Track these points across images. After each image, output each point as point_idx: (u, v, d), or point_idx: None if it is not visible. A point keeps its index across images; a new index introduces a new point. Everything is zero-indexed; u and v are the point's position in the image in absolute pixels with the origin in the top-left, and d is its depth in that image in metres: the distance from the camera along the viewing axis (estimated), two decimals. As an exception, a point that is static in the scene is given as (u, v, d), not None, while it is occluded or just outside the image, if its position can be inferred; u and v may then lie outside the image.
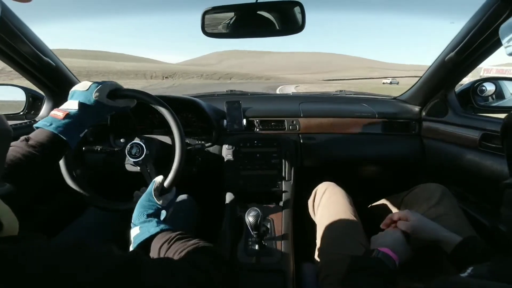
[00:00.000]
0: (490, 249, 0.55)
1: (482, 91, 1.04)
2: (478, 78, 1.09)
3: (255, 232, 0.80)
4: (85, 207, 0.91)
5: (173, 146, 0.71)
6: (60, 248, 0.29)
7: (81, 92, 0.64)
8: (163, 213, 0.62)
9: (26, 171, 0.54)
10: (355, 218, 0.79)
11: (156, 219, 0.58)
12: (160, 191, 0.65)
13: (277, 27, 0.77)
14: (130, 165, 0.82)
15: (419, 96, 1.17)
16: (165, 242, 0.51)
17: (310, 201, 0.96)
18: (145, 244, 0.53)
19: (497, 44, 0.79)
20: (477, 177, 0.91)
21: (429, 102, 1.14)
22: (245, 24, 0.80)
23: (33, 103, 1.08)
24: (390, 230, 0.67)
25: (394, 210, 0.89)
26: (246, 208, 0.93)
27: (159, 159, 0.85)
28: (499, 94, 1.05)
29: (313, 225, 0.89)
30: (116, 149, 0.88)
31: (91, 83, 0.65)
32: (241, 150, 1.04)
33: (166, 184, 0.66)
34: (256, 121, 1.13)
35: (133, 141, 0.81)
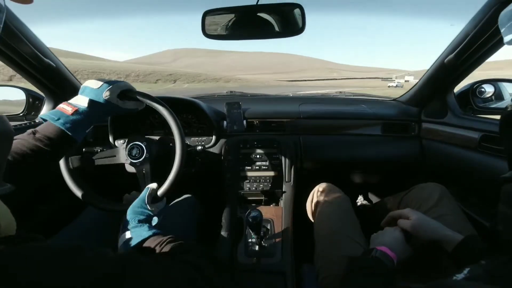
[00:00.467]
0: (491, 248, 0.55)
1: (481, 92, 1.05)
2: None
3: (255, 233, 0.80)
4: (84, 207, 0.90)
5: (173, 149, 0.71)
6: (53, 253, 0.29)
7: (92, 89, 0.63)
8: (155, 220, 0.63)
9: (31, 164, 0.54)
10: (353, 219, 0.79)
11: (147, 225, 0.59)
12: (152, 199, 0.65)
13: (277, 29, 0.78)
14: (129, 166, 0.82)
15: (419, 97, 1.18)
16: (157, 245, 0.51)
17: (308, 202, 0.96)
18: (137, 248, 0.53)
19: (497, 46, 0.79)
20: (476, 178, 0.92)
21: (428, 103, 1.14)
22: (246, 25, 0.80)
23: (33, 104, 1.08)
24: (389, 229, 0.67)
25: (392, 210, 0.89)
26: (246, 209, 0.93)
27: (159, 160, 0.85)
28: (498, 95, 1.06)
29: (313, 226, 0.89)
30: (116, 149, 0.87)
31: (104, 80, 0.64)
32: (241, 151, 1.04)
33: (159, 193, 0.66)
34: (256, 122, 1.13)
35: (133, 142, 0.81)
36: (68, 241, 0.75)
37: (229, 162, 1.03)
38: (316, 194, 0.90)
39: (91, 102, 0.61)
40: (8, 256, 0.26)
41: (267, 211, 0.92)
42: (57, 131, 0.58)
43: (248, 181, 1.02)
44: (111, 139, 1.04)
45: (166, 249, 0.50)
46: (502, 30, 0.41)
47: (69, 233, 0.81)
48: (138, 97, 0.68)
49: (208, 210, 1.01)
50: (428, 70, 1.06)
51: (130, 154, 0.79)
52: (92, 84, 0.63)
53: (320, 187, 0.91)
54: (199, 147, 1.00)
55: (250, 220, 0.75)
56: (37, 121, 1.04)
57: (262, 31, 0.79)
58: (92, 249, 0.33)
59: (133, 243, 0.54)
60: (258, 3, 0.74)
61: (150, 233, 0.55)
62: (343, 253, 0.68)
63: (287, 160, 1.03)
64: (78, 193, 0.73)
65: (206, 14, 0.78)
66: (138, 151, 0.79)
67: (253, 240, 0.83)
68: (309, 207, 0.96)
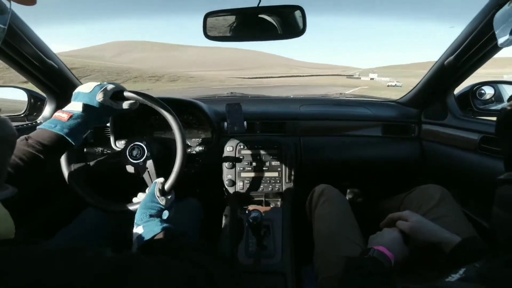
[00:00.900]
0: (489, 250, 0.55)
1: (481, 94, 1.05)
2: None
3: (255, 234, 0.80)
4: (83, 208, 0.91)
5: (173, 148, 0.71)
6: (53, 253, 0.29)
7: (85, 93, 0.64)
8: (165, 214, 0.63)
9: (24, 169, 0.54)
10: (351, 220, 0.79)
11: (159, 219, 0.59)
12: (162, 192, 0.66)
13: (279, 31, 0.78)
14: (130, 166, 0.82)
15: (419, 99, 1.18)
16: (168, 239, 0.52)
17: (307, 203, 0.96)
18: (149, 243, 0.54)
19: (496, 47, 0.80)
20: (476, 180, 0.92)
21: (428, 105, 1.15)
22: (247, 27, 0.80)
23: (34, 105, 1.09)
24: (388, 230, 0.67)
25: (393, 211, 0.89)
26: (247, 210, 0.94)
27: (160, 160, 0.85)
28: (498, 97, 1.06)
29: (312, 226, 0.89)
30: (117, 150, 0.88)
31: (95, 84, 0.65)
32: (242, 152, 1.04)
33: (166, 187, 0.67)
34: (256, 123, 1.13)
35: (134, 143, 0.81)
36: (67, 242, 0.76)
37: (229, 163, 1.03)
38: (316, 195, 0.90)
39: (85, 107, 0.62)
40: (6, 259, 0.26)
41: (267, 212, 0.92)
42: (51, 136, 0.58)
43: (248, 182, 1.02)
44: (112, 140, 1.05)
45: (176, 244, 0.50)
46: (496, 32, 0.41)
47: (68, 234, 0.81)
48: (131, 96, 0.68)
49: (208, 211, 1.01)
50: (429, 71, 1.07)
51: (131, 155, 0.79)
52: (84, 88, 0.65)
53: (320, 188, 0.91)
54: (200, 148, 1.00)
55: (250, 220, 0.75)
56: (38, 121, 1.04)
57: (263, 32, 0.79)
58: (92, 249, 0.33)
59: (145, 237, 0.54)
60: (259, 5, 0.74)
61: (161, 227, 0.55)
62: (342, 254, 0.68)
63: (287, 161, 1.03)
64: (80, 194, 0.73)
65: (207, 15, 0.78)
66: (139, 152, 0.79)
67: (253, 240, 0.83)
68: (308, 208, 0.96)
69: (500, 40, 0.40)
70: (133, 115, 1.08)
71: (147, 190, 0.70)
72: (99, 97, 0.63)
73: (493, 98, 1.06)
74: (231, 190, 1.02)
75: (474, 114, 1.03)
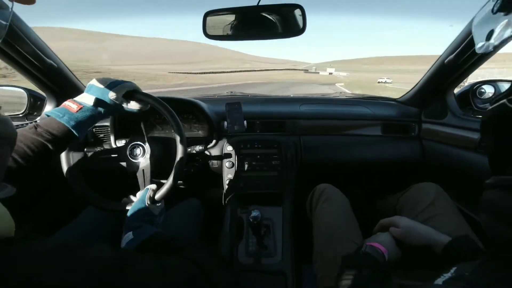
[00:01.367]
0: (480, 248, 0.57)
1: (481, 93, 1.05)
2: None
3: (255, 233, 0.80)
4: (83, 207, 0.91)
5: (173, 148, 0.71)
6: (50, 251, 0.29)
7: (98, 88, 0.63)
8: (155, 220, 0.63)
9: (32, 158, 0.53)
10: (352, 219, 0.79)
11: (148, 225, 0.59)
12: (152, 199, 0.65)
13: (279, 30, 0.78)
14: (129, 166, 0.82)
15: (419, 98, 1.18)
16: (158, 244, 0.52)
17: (307, 202, 0.96)
18: (139, 249, 0.53)
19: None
20: (476, 179, 0.92)
21: (428, 104, 1.15)
22: (247, 26, 0.80)
23: (34, 104, 1.08)
24: (381, 233, 0.69)
25: (390, 211, 0.89)
26: (247, 209, 0.94)
27: (160, 160, 0.85)
28: (498, 96, 1.06)
29: (313, 226, 0.89)
30: (117, 149, 0.88)
31: (111, 80, 0.64)
32: (242, 152, 1.04)
33: (157, 197, 0.66)
34: (256, 122, 1.13)
35: (134, 142, 0.81)
36: (67, 240, 0.76)
37: (229, 162, 1.03)
38: (316, 194, 0.90)
39: (97, 101, 0.61)
40: (5, 258, 0.26)
41: (267, 211, 0.92)
42: (60, 127, 0.58)
43: (248, 181, 1.02)
44: (112, 139, 1.05)
45: (166, 247, 0.50)
46: (474, 37, 0.41)
47: (69, 232, 0.81)
48: (143, 98, 0.68)
49: (208, 211, 1.01)
50: (428, 70, 1.07)
51: (131, 154, 0.79)
52: (98, 83, 0.63)
53: (320, 187, 0.91)
54: (200, 147, 1.00)
55: (251, 220, 0.75)
56: (37, 121, 1.04)
57: (263, 31, 0.79)
58: (91, 247, 0.33)
59: (135, 243, 0.54)
60: (259, 3, 0.74)
61: (151, 232, 0.55)
62: (342, 253, 0.68)
63: (287, 160, 1.03)
64: (79, 193, 0.73)
65: (207, 14, 0.78)
66: (139, 151, 0.79)
67: (253, 240, 0.83)
68: (308, 207, 0.96)
69: (478, 46, 0.39)
70: (134, 115, 1.08)
71: (138, 195, 0.69)
72: (112, 94, 0.62)
73: (493, 97, 1.06)
74: (231, 189, 1.02)
75: (474, 113, 1.03)
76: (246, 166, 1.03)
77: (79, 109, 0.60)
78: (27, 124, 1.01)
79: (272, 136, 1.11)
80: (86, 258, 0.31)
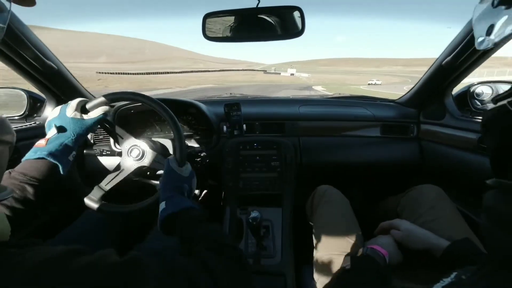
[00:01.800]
0: (480, 251, 0.57)
1: (479, 94, 1.05)
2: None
3: (255, 234, 0.80)
4: (83, 210, 0.91)
5: (173, 146, 0.72)
6: (52, 256, 0.29)
7: (54, 118, 0.65)
8: (186, 187, 0.63)
9: (19, 203, 0.53)
10: (352, 221, 0.79)
11: (180, 195, 0.59)
12: (178, 163, 0.65)
13: (278, 31, 0.79)
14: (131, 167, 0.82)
15: (417, 99, 1.19)
16: (186, 224, 0.51)
17: (308, 203, 0.96)
18: (170, 219, 0.54)
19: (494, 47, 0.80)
20: (475, 179, 0.92)
21: (427, 105, 1.15)
22: (245, 28, 0.81)
23: (34, 106, 1.08)
24: (382, 236, 0.69)
25: (391, 213, 0.89)
26: (246, 211, 0.94)
27: (159, 161, 0.85)
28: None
29: (312, 227, 0.89)
30: (116, 151, 0.88)
31: (60, 107, 0.67)
32: (241, 153, 1.04)
33: (178, 158, 0.66)
34: (256, 123, 1.13)
35: (134, 144, 0.81)
36: (66, 243, 0.75)
37: (228, 163, 1.03)
38: (317, 195, 0.90)
39: (59, 128, 0.63)
40: (1, 262, 0.26)
41: (266, 212, 0.92)
42: (33, 165, 0.57)
43: (248, 182, 1.02)
44: (111, 141, 1.05)
45: (190, 229, 0.49)
46: (474, 33, 0.40)
47: (68, 235, 0.81)
48: (90, 106, 0.68)
49: (208, 212, 1.01)
50: (427, 72, 1.08)
51: (131, 155, 0.80)
52: (52, 114, 0.66)
53: (321, 189, 0.91)
54: (199, 149, 1.00)
55: (250, 221, 0.75)
56: (37, 122, 1.04)
57: (262, 33, 0.80)
58: (93, 252, 0.32)
59: (164, 215, 0.54)
60: (258, 5, 0.75)
61: (180, 206, 0.55)
62: (342, 255, 0.68)
63: (286, 161, 1.03)
64: (81, 197, 0.73)
65: (206, 16, 0.79)
66: (138, 152, 0.80)
67: (253, 241, 0.83)
68: (308, 208, 0.96)
69: (478, 42, 0.39)
70: (133, 117, 1.08)
71: (161, 171, 0.69)
72: (68, 115, 0.65)
73: (491, 98, 1.06)
74: (230, 190, 1.02)
75: (472, 114, 1.04)
76: (245, 167, 1.03)
77: (47, 141, 0.60)
78: (26, 125, 1.00)
79: (272, 137, 1.11)
80: (90, 262, 0.30)
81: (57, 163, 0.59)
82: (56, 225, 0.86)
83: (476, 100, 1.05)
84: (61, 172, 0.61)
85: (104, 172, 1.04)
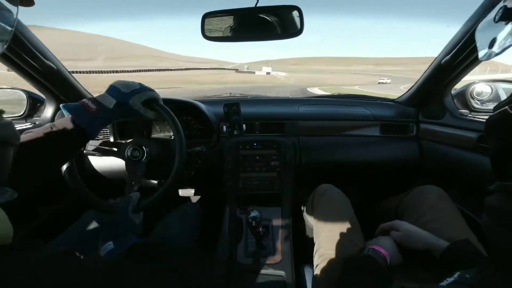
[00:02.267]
0: (480, 252, 0.57)
1: (478, 93, 1.05)
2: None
3: (255, 234, 0.80)
4: (83, 210, 0.91)
5: (172, 149, 0.72)
6: (47, 258, 0.29)
7: (121, 92, 0.62)
8: (135, 229, 0.63)
9: (44, 157, 0.53)
10: (353, 220, 0.79)
11: (129, 234, 0.59)
12: (135, 209, 0.65)
13: (277, 31, 0.79)
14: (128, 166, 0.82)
15: (416, 98, 1.19)
16: (140, 254, 0.51)
17: (308, 203, 0.96)
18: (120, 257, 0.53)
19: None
20: (475, 178, 0.92)
21: (426, 104, 1.16)
22: (244, 28, 0.81)
23: (33, 106, 1.09)
24: (382, 236, 0.69)
25: (392, 212, 0.89)
26: (246, 210, 0.94)
27: (158, 161, 0.85)
28: (495, 96, 1.07)
29: (312, 227, 0.89)
30: (115, 150, 0.88)
31: (135, 85, 0.64)
32: (241, 153, 1.04)
33: (140, 207, 0.67)
34: (255, 123, 1.13)
35: (134, 144, 0.81)
36: (68, 243, 0.76)
37: (228, 163, 1.03)
38: (317, 194, 0.90)
39: (117, 105, 0.61)
40: (2, 265, 0.26)
41: (266, 212, 0.92)
42: (75, 126, 0.57)
43: (247, 182, 1.02)
44: (112, 140, 1.05)
45: (149, 257, 0.50)
46: (477, 45, 0.41)
47: (68, 237, 0.81)
48: (158, 109, 0.68)
49: (208, 211, 1.01)
50: (426, 71, 1.07)
51: (131, 155, 0.80)
52: (122, 86, 0.63)
53: (322, 188, 0.91)
54: (199, 149, 1.00)
55: (250, 220, 0.75)
56: (37, 123, 1.05)
57: (261, 32, 0.80)
58: (88, 254, 0.32)
59: (116, 252, 0.53)
60: (257, 5, 0.75)
61: (133, 241, 0.55)
62: (342, 255, 0.68)
63: (286, 161, 1.03)
64: (81, 196, 0.73)
65: (205, 16, 0.79)
66: (138, 152, 0.80)
67: (253, 240, 0.83)
68: (309, 207, 0.96)
69: (480, 53, 0.40)
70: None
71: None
72: (133, 99, 0.62)
73: (490, 97, 1.06)
74: (230, 190, 1.02)
75: (471, 113, 1.04)
76: (245, 167, 1.03)
77: (98, 111, 0.59)
78: (26, 126, 1.01)
79: (271, 137, 1.11)
80: (85, 264, 0.30)
81: (91, 136, 0.60)
82: (57, 225, 0.86)
83: (475, 99, 1.06)
84: (91, 139, 0.61)
85: (104, 172, 1.05)
